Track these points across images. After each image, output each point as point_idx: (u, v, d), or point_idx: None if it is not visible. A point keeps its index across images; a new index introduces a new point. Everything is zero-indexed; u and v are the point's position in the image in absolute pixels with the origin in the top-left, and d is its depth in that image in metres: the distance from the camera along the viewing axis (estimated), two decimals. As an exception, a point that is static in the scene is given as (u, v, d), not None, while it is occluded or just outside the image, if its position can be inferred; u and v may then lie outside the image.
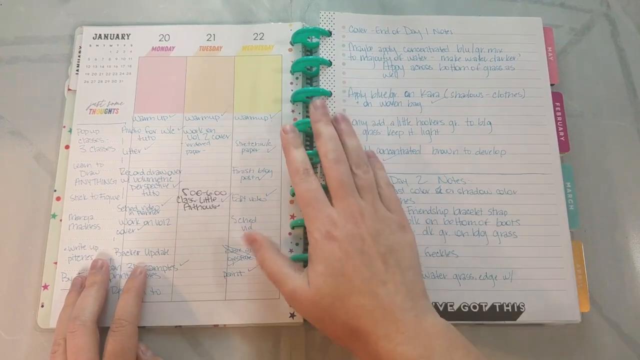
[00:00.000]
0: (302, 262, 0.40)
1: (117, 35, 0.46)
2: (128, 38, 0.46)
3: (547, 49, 0.46)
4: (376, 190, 0.38)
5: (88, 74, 0.45)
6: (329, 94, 0.44)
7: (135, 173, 0.43)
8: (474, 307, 0.40)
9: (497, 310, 0.40)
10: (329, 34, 0.45)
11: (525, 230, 0.41)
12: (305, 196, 0.36)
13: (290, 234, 0.41)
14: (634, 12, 0.50)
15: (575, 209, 0.42)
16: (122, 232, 0.41)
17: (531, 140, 0.43)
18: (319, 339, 0.40)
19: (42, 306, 0.40)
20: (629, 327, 0.41)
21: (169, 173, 0.43)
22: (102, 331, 0.37)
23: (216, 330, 0.40)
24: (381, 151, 0.43)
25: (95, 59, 0.46)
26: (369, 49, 0.45)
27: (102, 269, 0.40)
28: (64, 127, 0.44)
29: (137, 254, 0.41)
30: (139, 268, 0.40)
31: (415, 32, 0.46)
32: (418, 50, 0.46)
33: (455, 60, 0.45)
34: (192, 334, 0.40)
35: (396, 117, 0.44)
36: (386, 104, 0.44)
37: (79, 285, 0.39)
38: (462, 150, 0.43)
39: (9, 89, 0.46)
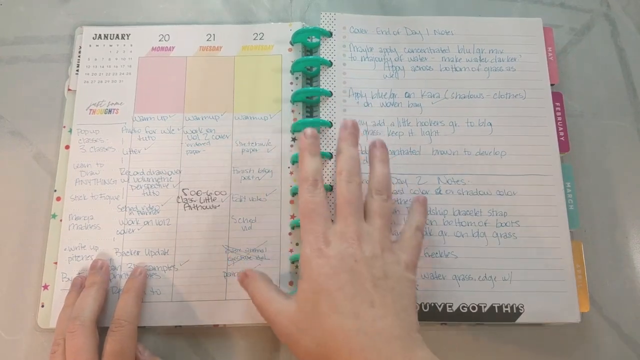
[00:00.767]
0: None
1: (117, 35, 0.46)
2: (128, 38, 0.46)
3: (547, 49, 0.46)
4: (390, 220, 0.36)
5: (88, 74, 0.45)
6: (329, 94, 0.44)
7: (135, 173, 0.43)
8: (473, 308, 0.40)
9: (496, 311, 0.40)
10: (330, 34, 0.45)
11: (525, 231, 0.41)
12: (306, 207, 0.36)
13: (290, 234, 0.41)
14: (634, 12, 0.50)
15: (575, 209, 0.42)
16: (122, 232, 0.41)
17: (531, 141, 0.43)
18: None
19: (42, 306, 0.40)
20: (629, 327, 0.41)
21: (169, 173, 0.43)
22: (101, 331, 0.37)
23: (216, 330, 0.40)
24: (381, 151, 0.43)
25: (95, 59, 0.46)
26: (369, 49, 0.45)
27: (102, 269, 0.40)
28: (64, 127, 0.44)
29: (137, 254, 0.41)
30: (139, 268, 0.40)
31: (415, 32, 0.46)
32: (419, 51, 0.46)
33: (456, 61, 0.45)
34: (192, 334, 0.40)
35: (396, 117, 0.44)
36: (386, 104, 0.44)
37: (78, 286, 0.39)
38: (462, 151, 0.43)
39: (9, 89, 0.46)
